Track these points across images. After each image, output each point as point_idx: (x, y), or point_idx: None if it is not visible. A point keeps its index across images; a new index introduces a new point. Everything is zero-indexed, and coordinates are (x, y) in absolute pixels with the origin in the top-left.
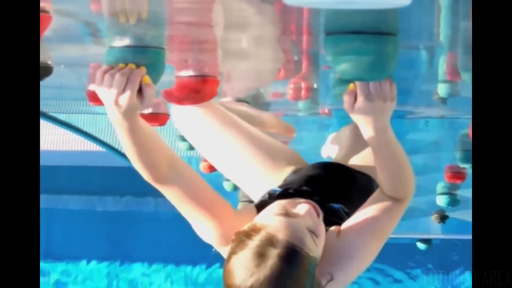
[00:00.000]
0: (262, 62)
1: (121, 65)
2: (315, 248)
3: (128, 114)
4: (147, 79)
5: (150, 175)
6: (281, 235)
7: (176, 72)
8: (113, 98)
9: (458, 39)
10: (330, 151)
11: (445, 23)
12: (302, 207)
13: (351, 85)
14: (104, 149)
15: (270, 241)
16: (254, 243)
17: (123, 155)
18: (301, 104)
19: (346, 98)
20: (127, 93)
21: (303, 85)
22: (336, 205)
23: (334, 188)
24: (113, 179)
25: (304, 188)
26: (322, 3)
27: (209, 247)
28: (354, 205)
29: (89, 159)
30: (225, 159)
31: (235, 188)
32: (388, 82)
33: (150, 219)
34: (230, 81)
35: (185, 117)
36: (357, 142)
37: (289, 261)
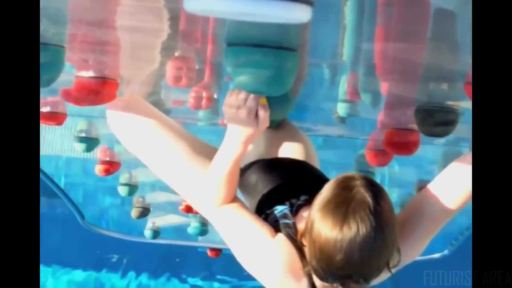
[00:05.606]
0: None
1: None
2: None
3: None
4: (264, 100)
5: (217, 202)
6: (356, 175)
7: (76, 72)
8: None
9: (360, 60)
10: None
11: (349, 43)
12: None
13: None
14: None
15: (348, 177)
16: (333, 184)
17: None
18: (201, 114)
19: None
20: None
21: (204, 94)
22: None
23: (309, 185)
24: None
25: (302, 197)
26: (219, 12)
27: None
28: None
29: None
30: (164, 159)
31: (130, 193)
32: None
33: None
34: (129, 85)
35: (121, 121)
36: (275, 136)
37: (374, 185)
